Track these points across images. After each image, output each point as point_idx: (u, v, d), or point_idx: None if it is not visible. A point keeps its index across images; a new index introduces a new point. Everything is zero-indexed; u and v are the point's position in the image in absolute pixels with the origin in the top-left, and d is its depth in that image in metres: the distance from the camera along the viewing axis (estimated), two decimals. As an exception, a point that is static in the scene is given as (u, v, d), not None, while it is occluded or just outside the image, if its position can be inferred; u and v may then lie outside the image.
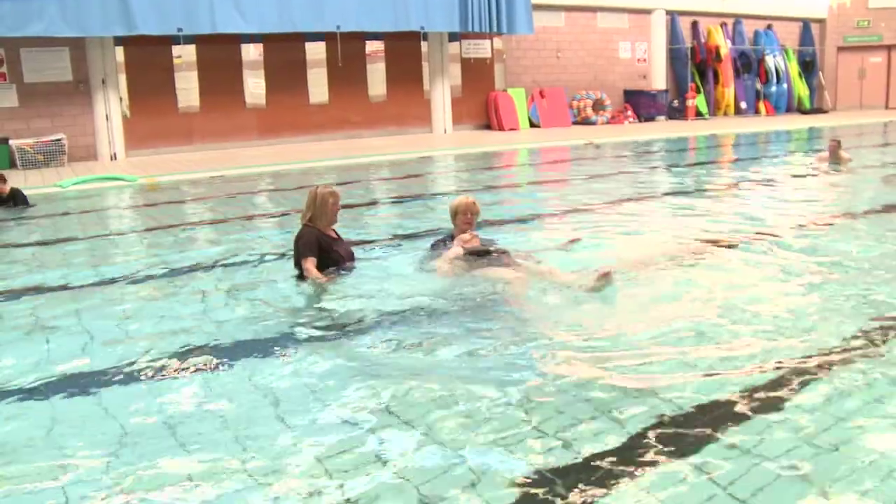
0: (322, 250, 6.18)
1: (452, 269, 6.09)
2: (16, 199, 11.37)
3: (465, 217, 6.51)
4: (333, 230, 6.50)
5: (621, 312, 5.26)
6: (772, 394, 3.83)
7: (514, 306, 5.44)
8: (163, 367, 4.47)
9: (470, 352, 4.57)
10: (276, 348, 4.74)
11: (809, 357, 4.29)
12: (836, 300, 5.37)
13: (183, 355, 4.66)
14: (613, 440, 3.40)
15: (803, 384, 3.93)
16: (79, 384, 4.29)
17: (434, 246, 6.69)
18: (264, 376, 4.31)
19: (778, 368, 4.14)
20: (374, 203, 11.20)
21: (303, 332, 5.01)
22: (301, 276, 6.17)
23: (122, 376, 4.38)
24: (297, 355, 4.61)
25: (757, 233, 7.76)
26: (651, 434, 3.43)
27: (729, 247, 7.18)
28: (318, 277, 6.02)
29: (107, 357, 4.69)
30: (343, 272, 6.25)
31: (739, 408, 3.68)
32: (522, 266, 6.11)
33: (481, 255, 6.18)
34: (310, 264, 6.08)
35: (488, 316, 5.24)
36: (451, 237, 6.58)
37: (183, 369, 4.44)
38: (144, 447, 3.50)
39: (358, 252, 6.81)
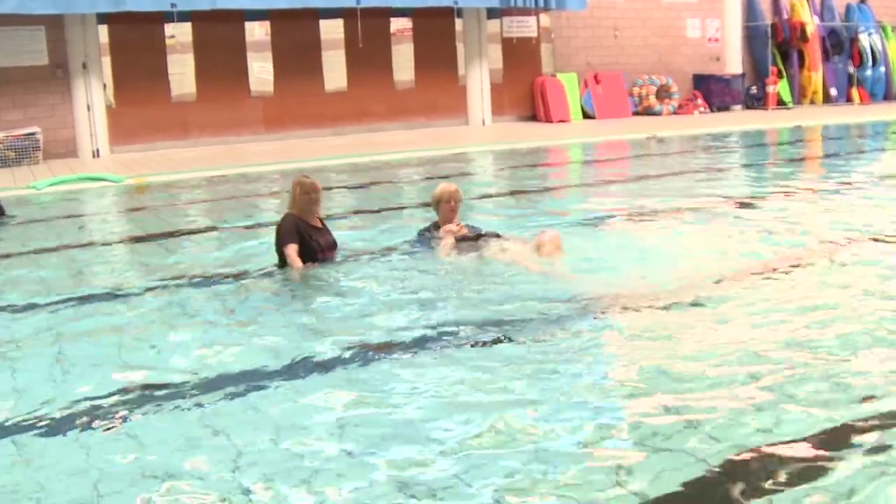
0: (301, 237, 7.05)
1: (453, 251, 7.17)
2: None
3: (448, 205, 7.48)
4: (318, 219, 7.46)
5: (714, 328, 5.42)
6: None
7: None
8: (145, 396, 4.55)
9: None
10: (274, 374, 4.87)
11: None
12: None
13: (173, 379, 4.77)
14: None
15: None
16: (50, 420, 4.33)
17: (420, 234, 7.71)
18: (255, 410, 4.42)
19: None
20: (399, 208, 11.06)
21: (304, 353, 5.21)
22: (282, 265, 7.10)
23: (97, 410, 4.42)
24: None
25: (850, 241, 7.69)
26: None
27: (815, 258, 7.14)
28: (299, 266, 6.93)
29: (85, 386, 4.71)
30: (324, 262, 7.16)
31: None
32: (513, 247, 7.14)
33: (473, 240, 7.24)
34: (291, 250, 6.98)
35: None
36: (436, 226, 7.57)
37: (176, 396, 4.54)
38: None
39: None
